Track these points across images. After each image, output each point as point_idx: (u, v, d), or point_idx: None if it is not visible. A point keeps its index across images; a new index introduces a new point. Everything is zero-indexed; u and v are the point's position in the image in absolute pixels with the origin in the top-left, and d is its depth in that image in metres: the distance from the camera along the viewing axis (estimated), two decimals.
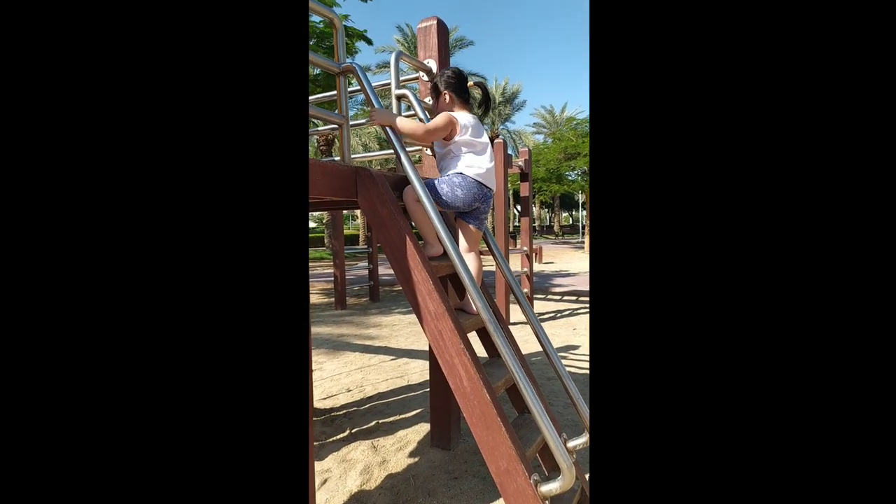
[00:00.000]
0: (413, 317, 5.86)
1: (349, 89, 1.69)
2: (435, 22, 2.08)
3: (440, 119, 1.59)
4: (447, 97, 1.69)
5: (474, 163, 1.59)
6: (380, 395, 3.06)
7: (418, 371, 3.57)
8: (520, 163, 5.65)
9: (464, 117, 1.62)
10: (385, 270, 9.67)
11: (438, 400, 2.30)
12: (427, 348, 4.25)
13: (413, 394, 3.08)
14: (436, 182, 1.60)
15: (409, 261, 1.51)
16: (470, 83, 1.72)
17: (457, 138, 1.59)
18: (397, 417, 2.68)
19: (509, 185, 5.15)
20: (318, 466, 2.12)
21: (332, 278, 7.08)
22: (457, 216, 1.72)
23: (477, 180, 1.59)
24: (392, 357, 4.01)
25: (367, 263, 7.53)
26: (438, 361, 1.47)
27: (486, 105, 1.78)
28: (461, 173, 1.59)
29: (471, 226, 1.70)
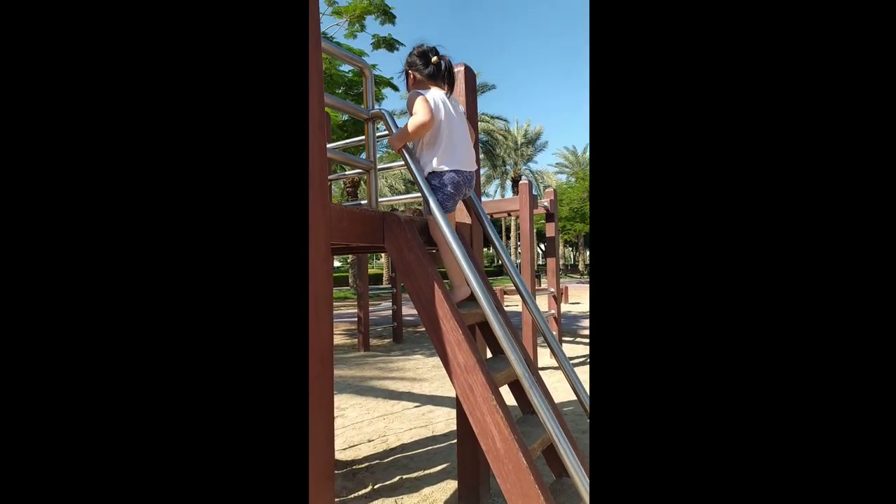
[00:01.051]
0: (437, 360, 5.71)
1: (377, 134, 1.69)
2: (463, 68, 2.10)
3: (415, 107, 1.54)
4: (412, 77, 1.66)
5: (447, 151, 1.55)
6: (403, 447, 2.91)
7: (443, 420, 3.41)
8: (545, 203, 5.60)
9: (431, 94, 1.58)
10: (409, 311, 9.59)
11: (466, 455, 2.15)
12: (453, 395, 4.09)
13: (438, 446, 2.92)
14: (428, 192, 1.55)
15: (437, 309, 1.44)
16: (434, 58, 1.65)
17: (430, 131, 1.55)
18: (422, 473, 2.52)
19: (534, 225, 5.08)
20: None
21: (356, 319, 7.03)
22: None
23: (454, 170, 1.56)
24: (416, 404, 3.86)
25: (390, 303, 7.47)
26: (469, 418, 1.36)
27: (448, 81, 1.69)
28: (435, 172, 1.56)
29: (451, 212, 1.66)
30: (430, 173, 1.57)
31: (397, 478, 2.46)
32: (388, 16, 6.61)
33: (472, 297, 1.62)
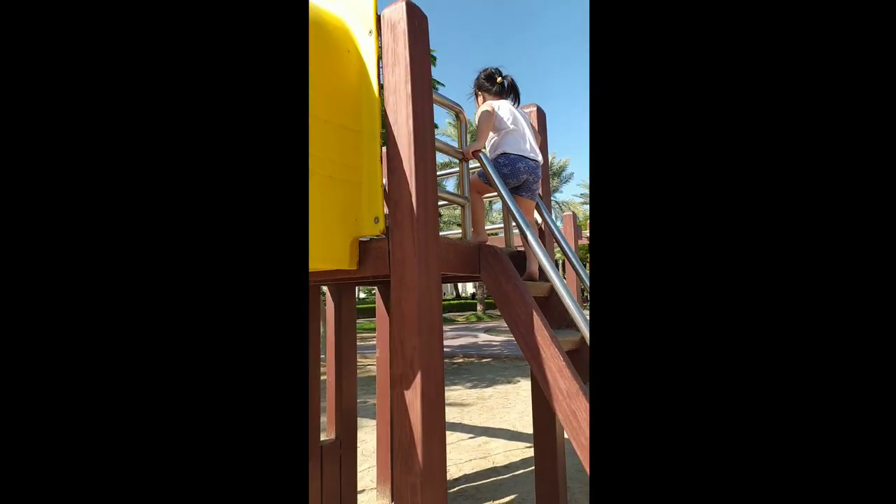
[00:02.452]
0: (484, 391, 5.68)
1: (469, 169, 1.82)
2: (535, 108, 2.23)
3: (480, 116, 1.84)
4: (480, 98, 1.98)
5: (514, 142, 1.83)
6: (466, 478, 2.91)
7: (501, 452, 3.39)
8: (587, 234, 5.65)
9: (496, 104, 1.87)
10: (448, 342, 9.58)
11: (546, 486, 2.15)
12: (506, 427, 4.06)
13: (501, 477, 2.90)
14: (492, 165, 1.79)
15: (536, 336, 1.50)
16: (499, 78, 1.96)
17: (497, 125, 1.84)
18: (492, 503, 2.52)
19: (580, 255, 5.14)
20: None
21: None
22: (513, 191, 1.85)
23: (520, 155, 1.82)
24: (470, 435, 3.85)
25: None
26: (573, 443, 1.40)
27: (514, 94, 1.99)
28: (504, 153, 1.82)
29: (524, 196, 1.89)
30: (496, 156, 1.82)
31: None
32: (431, 59, 6.95)
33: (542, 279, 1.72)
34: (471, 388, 5.95)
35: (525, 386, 5.97)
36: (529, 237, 1.64)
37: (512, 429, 3.98)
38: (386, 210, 1.43)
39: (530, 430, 3.89)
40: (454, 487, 2.76)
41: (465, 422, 4.27)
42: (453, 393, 5.66)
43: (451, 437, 3.79)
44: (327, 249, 1.35)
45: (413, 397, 1.33)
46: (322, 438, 2.25)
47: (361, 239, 1.45)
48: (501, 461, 3.19)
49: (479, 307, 25.02)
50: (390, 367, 1.42)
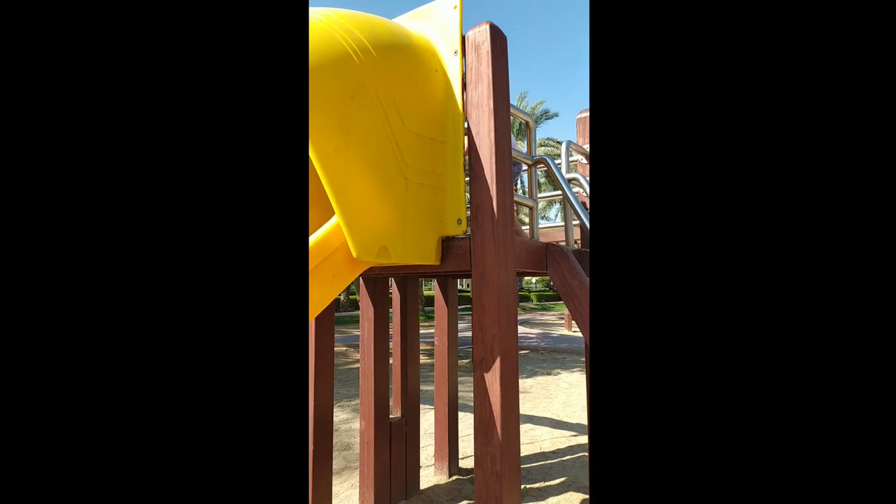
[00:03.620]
0: (525, 381, 5.83)
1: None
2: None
3: None
4: None
5: None
6: None
7: (548, 439, 3.55)
8: None
9: None
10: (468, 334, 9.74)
11: None
12: (548, 415, 4.21)
13: (549, 461, 3.06)
14: None
15: None
16: None
17: None
18: (542, 484, 2.68)
19: None
20: None
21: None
22: None
23: None
24: None
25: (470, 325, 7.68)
26: None
27: None
28: None
29: None
30: None
31: (522, 486, 2.63)
32: None
33: None
34: None
35: (565, 378, 6.08)
36: None
37: (556, 418, 4.12)
38: (468, 213, 1.60)
39: (574, 420, 4.03)
40: None
41: None
42: None
43: None
44: (418, 247, 1.53)
45: (492, 379, 1.51)
46: (391, 417, 2.47)
47: (444, 237, 1.62)
48: (548, 447, 3.35)
49: None
50: (473, 353, 1.59)
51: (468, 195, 1.60)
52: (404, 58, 1.52)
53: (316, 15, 1.39)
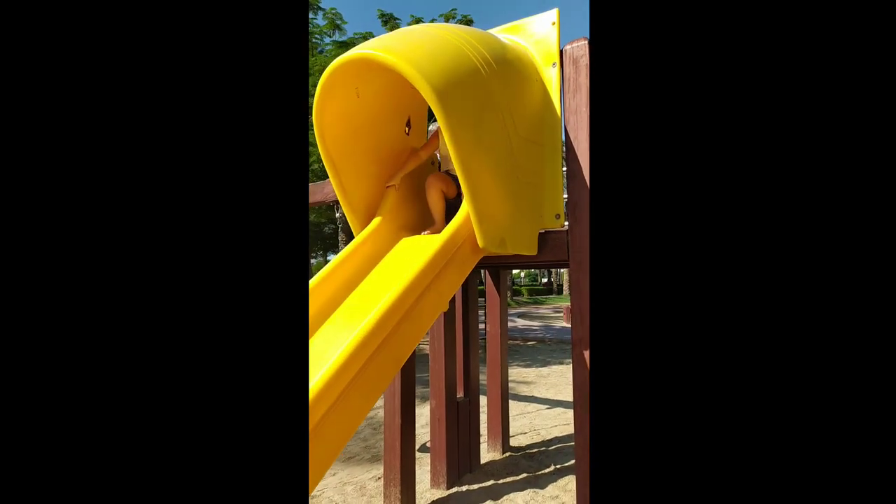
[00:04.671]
0: (541, 370, 6.06)
1: None
2: None
3: None
4: None
5: None
6: (557, 439, 3.30)
7: None
8: None
9: None
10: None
11: None
12: None
13: None
14: None
15: None
16: None
17: None
18: None
19: None
20: (548, 492, 2.40)
21: None
22: None
23: None
24: (546, 406, 4.25)
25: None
26: None
27: None
28: None
29: None
30: None
31: (571, 461, 2.86)
32: None
33: None
34: (527, 367, 6.34)
35: None
36: None
37: None
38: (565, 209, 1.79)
39: None
40: (553, 445, 3.16)
41: (538, 395, 4.67)
42: (513, 371, 6.06)
43: (530, 407, 4.19)
44: (524, 239, 1.72)
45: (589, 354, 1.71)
46: (458, 397, 2.67)
47: (542, 231, 1.81)
48: None
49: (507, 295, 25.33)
50: (572, 333, 1.79)
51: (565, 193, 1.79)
52: (514, 69, 1.70)
53: (447, 33, 1.56)
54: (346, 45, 9.77)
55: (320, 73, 9.41)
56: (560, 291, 32.06)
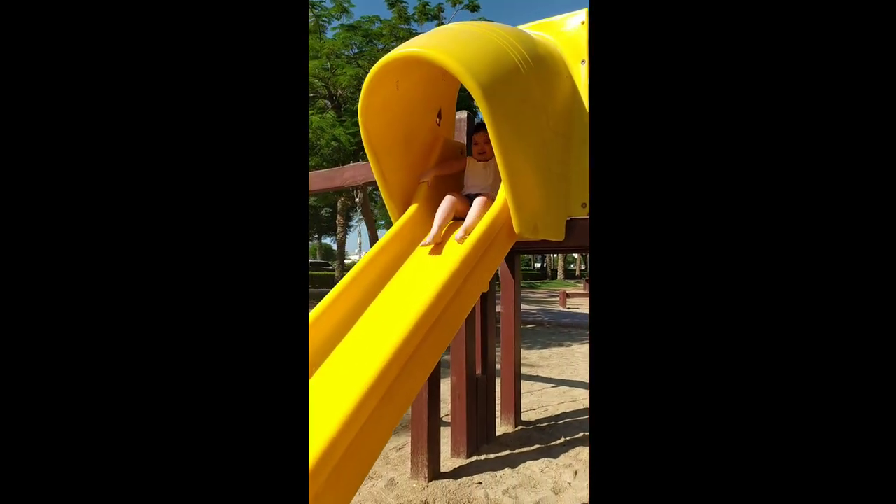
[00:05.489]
0: (542, 352, 6.27)
1: None
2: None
3: None
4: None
5: None
6: (564, 415, 3.50)
7: (586, 397, 3.97)
8: None
9: None
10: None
11: None
12: (580, 379, 4.64)
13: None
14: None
15: None
16: None
17: None
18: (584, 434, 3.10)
19: None
20: (561, 461, 2.59)
21: None
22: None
23: None
24: (551, 385, 4.44)
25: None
26: None
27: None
28: None
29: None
30: None
31: (581, 434, 3.05)
32: None
33: None
34: (528, 350, 6.54)
35: (577, 349, 6.55)
36: None
37: (585, 381, 4.56)
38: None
39: None
40: (561, 420, 3.35)
41: (542, 374, 4.87)
42: None
43: (535, 385, 4.38)
44: (554, 225, 1.85)
45: None
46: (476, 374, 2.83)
47: (569, 219, 1.95)
48: (589, 405, 3.77)
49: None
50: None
51: None
52: (547, 66, 1.81)
53: (488, 32, 1.67)
54: (353, 29, 9.71)
55: (328, 56, 9.36)
56: (553, 276, 32.43)
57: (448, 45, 1.53)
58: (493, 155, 1.93)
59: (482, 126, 2.02)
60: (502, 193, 1.68)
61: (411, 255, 1.78)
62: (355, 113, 9.71)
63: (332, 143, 7.74)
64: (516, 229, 1.64)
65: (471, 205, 1.80)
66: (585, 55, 1.90)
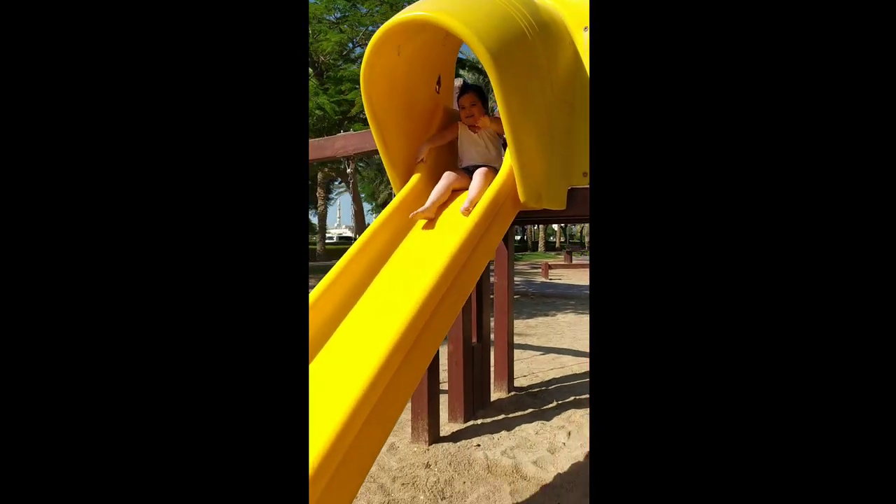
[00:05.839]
0: (528, 321, 6.40)
1: None
2: None
3: None
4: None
5: None
6: (554, 380, 3.61)
7: (574, 364, 4.11)
8: None
9: None
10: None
11: None
12: (567, 346, 4.78)
13: (585, 381, 3.61)
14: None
15: None
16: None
17: None
18: (585, 396, 3.22)
19: None
20: (554, 423, 2.69)
21: None
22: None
23: None
24: (540, 352, 4.57)
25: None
26: None
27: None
28: None
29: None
30: None
31: (572, 398, 3.16)
32: None
33: None
34: (515, 319, 6.66)
35: (562, 318, 6.71)
36: None
37: (573, 349, 4.70)
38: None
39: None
40: (553, 385, 3.47)
41: (531, 343, 4.99)
42: None
43: (524, 353, 4.49)
44: (556, 194, 1.87)
45: None
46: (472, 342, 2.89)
47: (570, 188, 1.96)
48: (578, 370, 3.90)
49: None
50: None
51: None
52: (551, 32, 1.78)
53: None
54: None
55: (310, 21, 8.90)
56: (535, 248, 32.78)
57: (454, 8, 1.49)
58: (479, 119, 1.92)
59: (468, 88, 1.99)
60: (507, 162, 1.68)
61: (414, 228, 1.78)
62: (339, 81, 9.43)
63: (317, 111, 7.53)
64: (521, 198, 1.65)
65: (470, 178, 1.80)
66: (587, 22, 1.87)
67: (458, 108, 2.02)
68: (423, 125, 2.02)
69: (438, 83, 2.09)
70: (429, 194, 1.85)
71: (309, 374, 1.30)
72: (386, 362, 1.16)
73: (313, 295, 1.50)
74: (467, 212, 1.65)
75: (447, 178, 1.84)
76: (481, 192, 1.69)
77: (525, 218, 2.55)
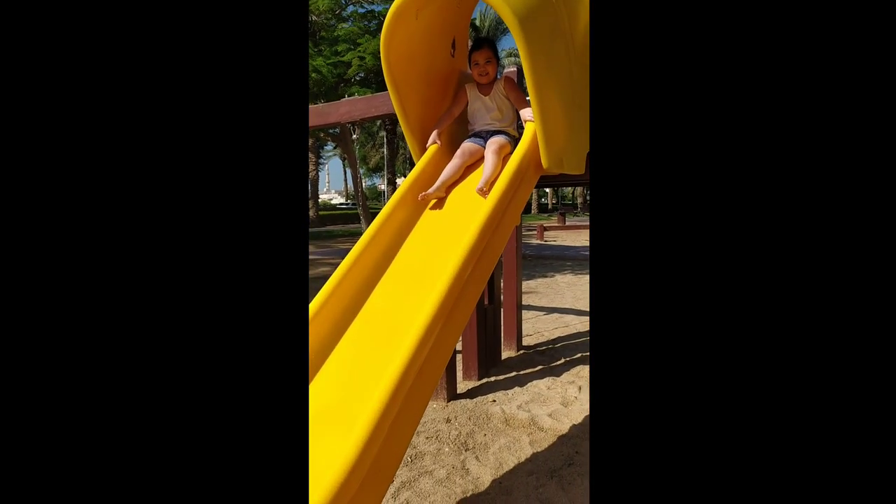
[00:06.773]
0: (528, 283, 6.52)
1: None
2: None
3: None
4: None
5: None
6: (560, 339, 3.75)
7: (577, 322, 4.25)
8: None
9: None
10: None
11: None
12: (570, 306, 4.91)
13: (586, 339, 3.75)
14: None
15: None
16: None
17: None
18: (581, 354, 3.36)
19: None
20: (564, 379, 2.83)
21: None
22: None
23: None
24: (543, 312, 4.70)
25: None
26: None
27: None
28: None
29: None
30: None
31: (578, 354, 3.30)
32: None
33: None
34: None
35: (561, 279, 6.85)
36: None
37: (575, 308, 4.84)
38: None
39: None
40: (559, 343, 3.60)
41: (534, 303, 5.12)
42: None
43: (528, 314, 4.62)
44: (576, 159, 1.89)
45: None
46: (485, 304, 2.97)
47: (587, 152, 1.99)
48: (581, 329, 4.04)
49: None
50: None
51: None
52: None
53: None
54: None
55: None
56: (528, 211, 32.84)
57: None
58: (495, 75, 1.90)
59: (483, 42, 1.97)
60: (529, 129, 1.69)
61: (431, 203, 1.80)
62: (333, 41, 9.01)
63: (313, 74, 7.28)
64: (544, 164, 1.68)
65: (483, 144, 1.81)
66: None
67: (470, 68, 2.00)
68: (440, 91, 2.01)
69: (453, 46, 2.06)
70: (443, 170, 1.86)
71: (332, 355, 1.38)
72: (428, 329, 1.22)
73: (339, 271, 1.53)
74: (482, 192, 1.66)
75: (460, 156, 1.84)
76: (496, 171, 1.71)
77: (540, 182, 2.57)
